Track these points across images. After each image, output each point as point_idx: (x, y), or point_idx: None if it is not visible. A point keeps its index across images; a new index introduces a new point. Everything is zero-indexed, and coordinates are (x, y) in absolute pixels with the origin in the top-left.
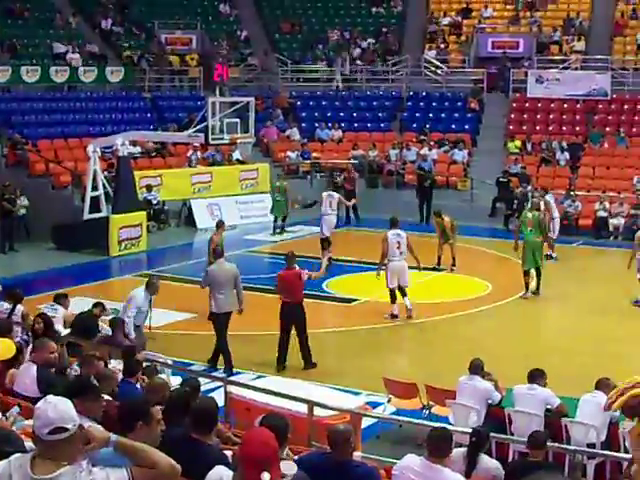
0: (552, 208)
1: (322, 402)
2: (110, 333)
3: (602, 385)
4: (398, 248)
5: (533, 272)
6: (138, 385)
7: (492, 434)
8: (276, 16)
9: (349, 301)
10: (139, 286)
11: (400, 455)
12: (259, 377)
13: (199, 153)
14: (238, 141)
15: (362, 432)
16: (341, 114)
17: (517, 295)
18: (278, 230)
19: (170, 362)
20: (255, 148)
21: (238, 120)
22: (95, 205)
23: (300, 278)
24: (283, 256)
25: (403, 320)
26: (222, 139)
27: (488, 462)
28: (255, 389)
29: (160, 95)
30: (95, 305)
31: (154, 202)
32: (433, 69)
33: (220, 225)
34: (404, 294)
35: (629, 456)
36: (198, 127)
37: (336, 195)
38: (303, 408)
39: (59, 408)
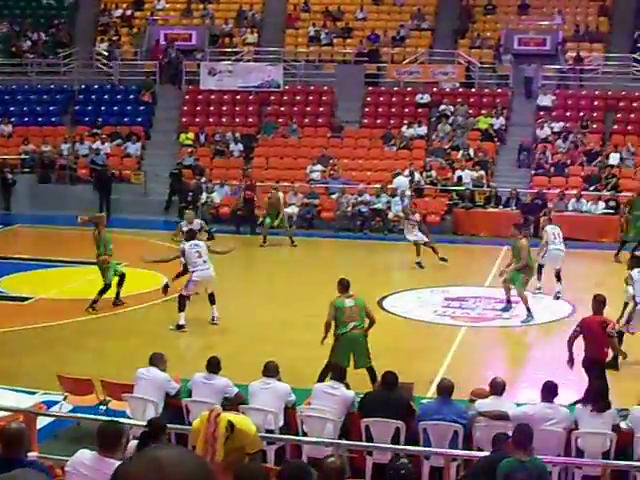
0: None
1: None
2: None
3: (271, 370)
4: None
5: None
6: None
7: (170, 425)
8: None
9: (22, 299)
10: None
11: None
12: None
13: None
14: None
15: (39, 432)
16: (11, 108)
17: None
18: None
19: None
20: None
21: None
22: None
23: None
24: None
25: (81, 315)
26: None
27: None
28: None
29: None
30: None
31: None
32: (105, 62)
33: None
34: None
35: (308, 439)
36: None
37: None
38: None
39: None
